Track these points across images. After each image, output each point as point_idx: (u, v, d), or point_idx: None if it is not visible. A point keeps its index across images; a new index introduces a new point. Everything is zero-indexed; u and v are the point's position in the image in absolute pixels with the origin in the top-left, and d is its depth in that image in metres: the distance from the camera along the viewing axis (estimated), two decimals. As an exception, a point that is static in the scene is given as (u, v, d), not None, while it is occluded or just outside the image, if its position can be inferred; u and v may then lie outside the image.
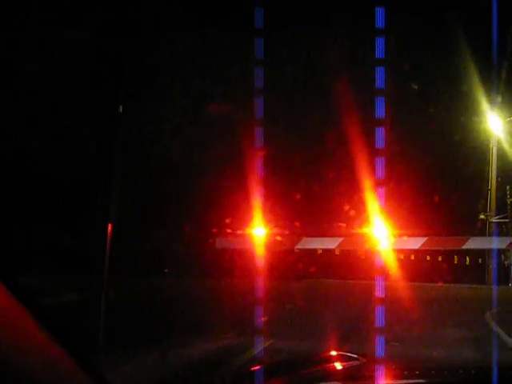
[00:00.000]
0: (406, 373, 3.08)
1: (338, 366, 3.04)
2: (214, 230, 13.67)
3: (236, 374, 4.48)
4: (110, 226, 6.24)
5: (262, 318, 8.61)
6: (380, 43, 8.70)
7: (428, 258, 22.96)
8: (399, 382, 3.08)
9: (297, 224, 16.47)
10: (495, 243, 11.76)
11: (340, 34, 17.61)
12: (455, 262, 24.09)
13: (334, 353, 3.65)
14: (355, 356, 3.07)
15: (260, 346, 7.19)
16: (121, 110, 6.51)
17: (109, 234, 6.24)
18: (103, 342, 5.88)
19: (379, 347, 7.30)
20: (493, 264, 22.11)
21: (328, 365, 3.08)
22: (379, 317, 10.47)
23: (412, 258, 21.76)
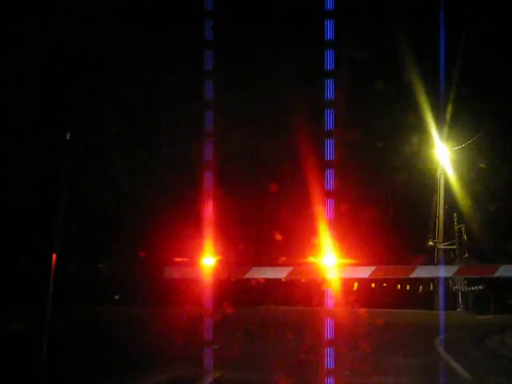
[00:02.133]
0: None
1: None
2: (163, 259, 13.52)
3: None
4: (54, 256, 6.05)
5: (212, 348, 8.49)
6: (329, 56, 8.79)
7: (375, 285, 23.23)
8: None
9: (246, 253, 16.45)
10: (442, 272, 11.93)
11: (290, 46, 17.73)
12: (405, 289, 24.43)
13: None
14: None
15: (209, 377, 7.06)
16: (68, 137, 6.36)
17: (53, 264, 6.04)
18: (45, 376, 5.67)
19: (330, 378, 7.27)
20: (441, 290, 22.48)
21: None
22: (329, 345, 10.46)
23: (360, 284, 21.96)
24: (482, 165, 22.03)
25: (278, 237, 18.39)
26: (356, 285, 22.28)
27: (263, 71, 18.33)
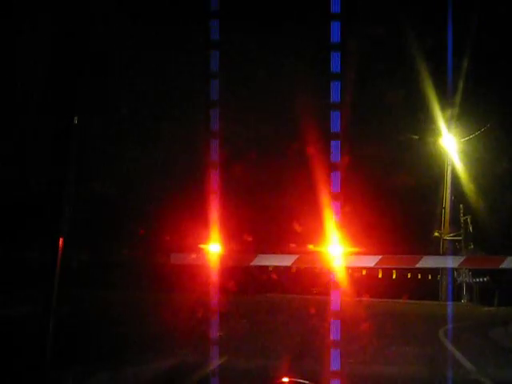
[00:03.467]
0: None
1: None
2: (169, 245, 13.56)
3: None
4: (61, 240, 6.05)
5: (217, 334, 8.53)
6: (335, 57, 8.76)
7: (382, 274, 23.24)
8: None
9: (252, 241, 16.46)
10: (448, 262, 11.96)
11: (295, 47, 17.69)
12: (409, 279, 24.42)
13: (286, 379, 3.59)
14: (307, 382, 3.02)
15: (214, 363, 7.10)
16: (76, 121, 6.34)
17: (60, 248, 6.04)
18: (51, 359, 5.70)
19: (334, 366, 7.29)
20: (446, 281, 22.48)
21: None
22: (334, 333, 10.49)
23: (365, 273, 21.99)
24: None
25: (284, 225, 18.39)
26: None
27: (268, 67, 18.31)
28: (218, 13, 10.23)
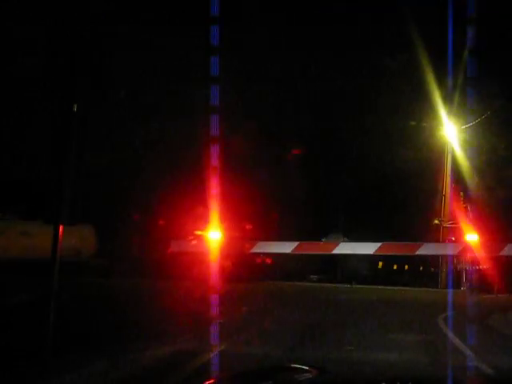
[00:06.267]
0: None
1: (289, 380, 2.99)
2: (169, 233, 13.58)
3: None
4: (61, 228, 6.06)
5: (217, 321, 8.55)
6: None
7: (382, 262, 23.30)
8: None
9: (252, 228, 16.50)
10: (448, 250, 11.98)
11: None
12: (409, 266, 24.49)
13: (285, 365, 3.60)
14: (306, 368, 3.03)
15: (213, 351, 7.11)
16: (75, 108, 6.34)
17: (60, 235, 6.05)
18: (52, 346, 5.72)
19: (334, 352, 7.32)
20: (446, 269, 22.52)
21: (279, 379, 3.03)
22: (334, 320, 10.53)
23: (363, 261, 22.04)
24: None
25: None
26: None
27: None
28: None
